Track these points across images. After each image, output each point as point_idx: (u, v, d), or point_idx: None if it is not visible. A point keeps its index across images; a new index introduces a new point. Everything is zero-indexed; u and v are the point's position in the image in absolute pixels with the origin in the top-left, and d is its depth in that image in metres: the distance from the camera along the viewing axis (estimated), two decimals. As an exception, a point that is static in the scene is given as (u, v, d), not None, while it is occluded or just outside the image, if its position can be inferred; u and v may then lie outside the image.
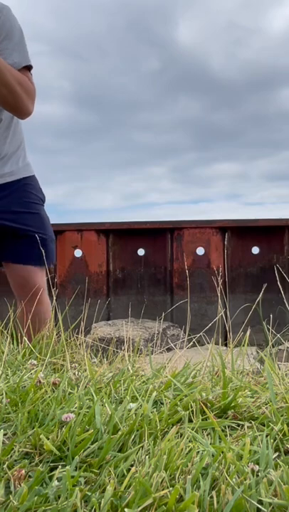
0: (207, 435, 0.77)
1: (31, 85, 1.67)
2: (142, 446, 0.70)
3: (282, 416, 0.81)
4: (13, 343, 1.40)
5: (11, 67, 1.60)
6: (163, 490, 0.57)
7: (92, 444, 0.70)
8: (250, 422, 0.82)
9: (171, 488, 0.57)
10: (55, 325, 1.51)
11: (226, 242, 4.71)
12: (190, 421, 0.81)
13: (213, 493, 0.57)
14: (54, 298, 1.49)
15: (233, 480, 0.59)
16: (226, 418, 0.85)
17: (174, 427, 0.75)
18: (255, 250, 4.80)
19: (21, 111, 1.66)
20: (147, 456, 0.66)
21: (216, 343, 1.37)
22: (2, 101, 1.62)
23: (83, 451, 0.68)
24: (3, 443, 0.70)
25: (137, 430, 0.75)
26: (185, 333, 1.45)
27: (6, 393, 0.90)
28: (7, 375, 1.07)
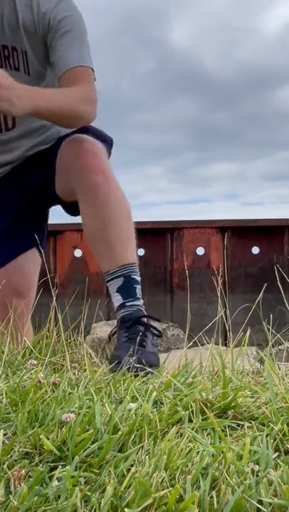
0: (207, 435, 0.77)
1: (90, 92, 1.47)
2: (142, 446, 0.70)
3: (282, 416, 0.81)
4: (13, 344, 1.40)
5: (66, 95, 1.43)
6: (163, 490, 0.57)
7: (92, 444, 0.70)
8: (250, 422, 0.82)
9: (171, 488, 0.57)
10: (55, 325, 1.51)
11: (225, 242, 4.71)
12: (190, 421, 0.81)
13: (213, 493, 0.57)
14: (54, 298, 1.49)
15: (233, 480, 0.59)
16: (226, 418, 0.85)
17: (174, 427, 0.75)
18: (255, 250, 4.80)
19: (88, 121, 1.53)
20: (147, 456, 0.66)
21: (216, 343, 1.37)
22: (73, 125, 1.53)
23: (83, 451, 0.68)
24: (3, 443, 0.70)
25: (137, 430, 0.75)
26: (185, 333, 1.45)
27: (6, 393, 0.90)
28: (7, 375, 1.07)
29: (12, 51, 1.50)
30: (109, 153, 1.62)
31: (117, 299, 1.38)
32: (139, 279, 1.42)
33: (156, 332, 1.35)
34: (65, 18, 1.46)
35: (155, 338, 1.32)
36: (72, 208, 1.61)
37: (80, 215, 1.48)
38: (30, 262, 1.68)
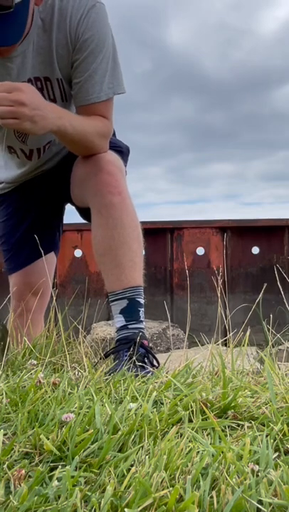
0: (207, 435, 0.77)
1: (106, 127, 1.45)
2: (142, 446, 0.70)
3: (282, 416, 0.81)
4: (13, 344, 1.40)
5: (87, 124, 1.40)
6: (163, 490, 0.57)
7: (92, 444, 0.70)
8: (250, 422, 0.82)
9: (171, 488, 0.57)
10: (55, 325, 1.52)
11: (225, 242, 4.71)
12: (190, 421, 0.81)
13: (213, 493, 0.57)
14: (54, 298, 1.49)
15: (233, 480, 0.59)
16: (226, 418, 0.85)
17: (174, 427, 0.75)
18: (255, 250, 4.80)
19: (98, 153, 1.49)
20: (147, 456, 0.66)
21: (216, 343, 1.37)
22: (82, 153, 1.50)
23: (83, 451, 0.68)
24: (3, 443, 0.70)
25: (137, 430, 0.75)
26: (185, 333, 1.44)
27: (6, 393, 0.90)
28: (7, 375, 1.07)
29: (45, 82, 1.44)
30: (126, 162, 1.62)
31: (119, 321, 1.37)
32: (143, 301, 1.41)
33: (155, 363, 1.31)
34: (91, 37, 1.37)
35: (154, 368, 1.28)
36: (85, 213, 1.61)
37: (91, 230, 1.48)
38: (48, 264, 1.69)
